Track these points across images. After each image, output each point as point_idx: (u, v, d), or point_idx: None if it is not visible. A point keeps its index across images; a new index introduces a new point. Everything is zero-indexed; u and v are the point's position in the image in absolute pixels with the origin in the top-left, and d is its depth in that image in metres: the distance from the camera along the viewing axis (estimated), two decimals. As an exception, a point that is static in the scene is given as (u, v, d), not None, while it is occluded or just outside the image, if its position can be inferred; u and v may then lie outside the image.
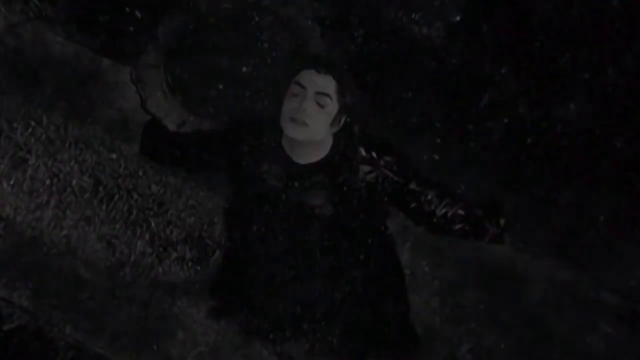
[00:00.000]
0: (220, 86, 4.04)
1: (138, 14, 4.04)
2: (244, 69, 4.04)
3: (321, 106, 2.79)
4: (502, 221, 2.97)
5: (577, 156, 3.91)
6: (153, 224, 3.89)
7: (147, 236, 3.87)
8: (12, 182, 3.93)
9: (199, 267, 3.80)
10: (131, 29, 4.05)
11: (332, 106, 2.81)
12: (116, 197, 3.93)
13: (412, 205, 2.94)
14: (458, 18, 3.85)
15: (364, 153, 2.91)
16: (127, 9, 4.01)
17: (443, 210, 2.93)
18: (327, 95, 2.79)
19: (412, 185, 2.92)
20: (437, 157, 3.88)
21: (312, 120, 2.78)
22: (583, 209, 3.92)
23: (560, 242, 3.89)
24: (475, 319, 3.78)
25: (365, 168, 2.91)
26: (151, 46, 4.04)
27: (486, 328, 3.77)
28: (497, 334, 3.75)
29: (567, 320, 3.78)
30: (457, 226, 2.96)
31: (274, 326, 3.33)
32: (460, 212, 2.95)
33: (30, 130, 4.03)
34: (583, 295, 3.83)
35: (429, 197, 2.92)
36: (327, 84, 2.80)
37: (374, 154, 2.92)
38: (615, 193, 3.92)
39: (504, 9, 3.87)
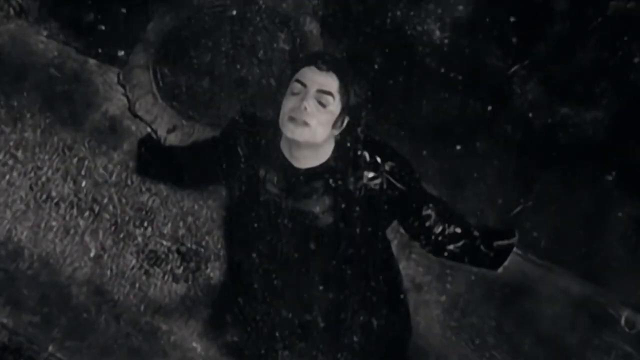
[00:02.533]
0: (214, 88, 3.98)
1: (126, 12, 3.98)
2: (240, 69, 3.97)
3: (323, 105, 2.71)
4: (496, 245, 2.93)
5: (593, 166, 3.83)
6: (141, 236, 3.83)
7: (135, 249, 3.81)
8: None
9: (190, 282, 3.75)
10: (119, 27, 4.00)
11: (335, 106, 2.72)
12: (102, 206, 3.87)
13: (411, 218, 2.90)
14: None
15: (368, 158, 2.83)
16: (115, 6, 3.96)
17: (440, 228, 2.90)
18: (329, 93, 2.72)
19: (415, 196, 2.88)
20: (443, 163, 3.82)
21: (313, 120, 2.69)
22: (600, 219, 3.83)
23: (575, 254, 3.80)
24: (485, 336, 3.72)
25: (369, 174, 2.83)
26: (140, 46, 4.04)
27: (497, 346, 3.71)
28: (509, 352, 3.69)
29: (583, 338, 3.71)
30: (451, 246, 2.92)
31: (270, 344, 3.23)
32: (457, 230, 2.91)
33: (10, 134, 3.97)
34: (600, 311, 3.75)
35: (429, 211, 2.88)
36: (329, 81, 2.72)
37: (378, 159, 2.84)
38: (634, 203, 3.82)
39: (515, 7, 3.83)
